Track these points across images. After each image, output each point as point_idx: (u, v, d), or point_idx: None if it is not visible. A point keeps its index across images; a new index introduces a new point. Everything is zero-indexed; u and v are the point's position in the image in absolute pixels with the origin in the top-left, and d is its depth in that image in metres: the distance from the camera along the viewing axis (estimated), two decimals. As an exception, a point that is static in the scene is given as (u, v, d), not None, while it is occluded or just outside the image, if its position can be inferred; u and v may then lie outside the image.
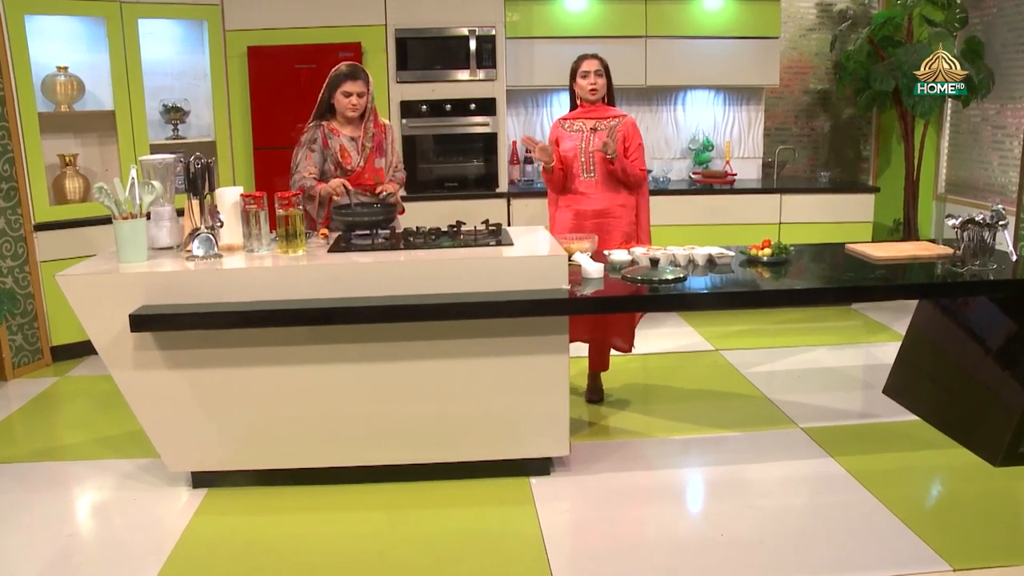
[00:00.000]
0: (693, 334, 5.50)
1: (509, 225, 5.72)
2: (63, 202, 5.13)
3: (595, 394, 4.35)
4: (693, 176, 6.25)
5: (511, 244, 3.48)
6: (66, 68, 5.08)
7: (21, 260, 4.91)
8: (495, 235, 3.59)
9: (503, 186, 5.82)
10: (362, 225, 3.58)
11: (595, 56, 4.13)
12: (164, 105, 5.47)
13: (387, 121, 4.15)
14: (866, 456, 3.61)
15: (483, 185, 5.82)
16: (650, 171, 6.04)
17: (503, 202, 5.80)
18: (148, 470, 3.61)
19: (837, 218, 5.89)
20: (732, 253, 3.73)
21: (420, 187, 5.78)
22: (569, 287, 3.24)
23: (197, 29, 5.56)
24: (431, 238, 3.55)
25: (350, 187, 3.82)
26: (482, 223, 3.71)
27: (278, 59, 5.47)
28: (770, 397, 4.33)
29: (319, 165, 3.94)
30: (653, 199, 5.78)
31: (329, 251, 3.44)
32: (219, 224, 3.43)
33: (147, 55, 5.39)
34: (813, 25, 6.63)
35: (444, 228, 3.66)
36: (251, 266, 3.26)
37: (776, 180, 6.36)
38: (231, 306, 3.12)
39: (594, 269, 3.43)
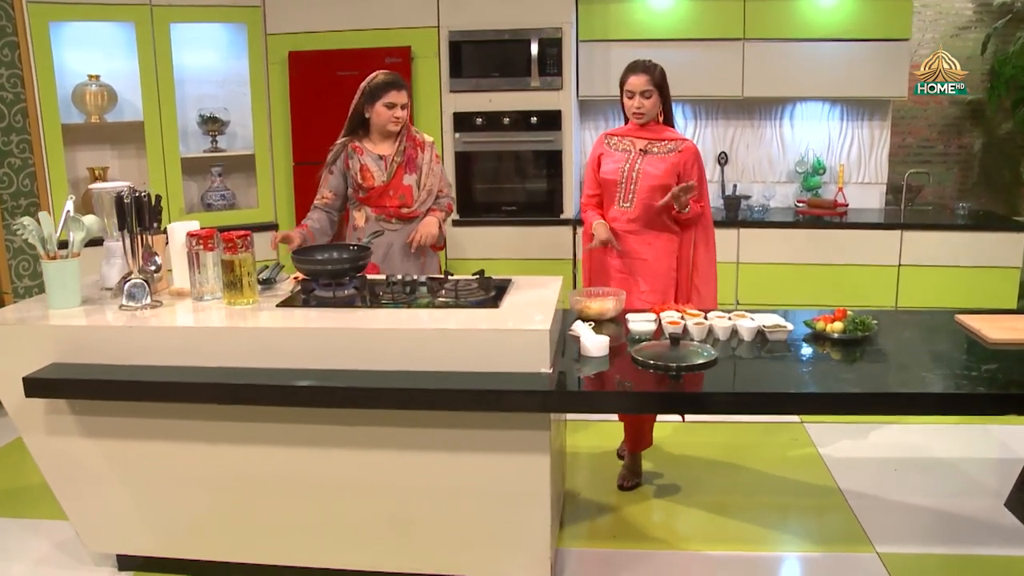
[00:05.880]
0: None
1: (573, 256, 5.05)
2: (92, 218, 4.83)
3: (629, 479, 3.55)
4: (797, 205, 5.30)
5: (496, 306, 2.79)
6: (98, 77, 4.77)
7: (40, 280, 4.62)
8: (483, 292, 2.91)
9: (568, 211, 5.08)
10: (323, 275, 2.98)
11: (645, 70, 3.41)
12: (201, 115, 5.08)
13: (429, 138, 3.66)
14: (959, 611, 2.70)
15: (545, 210, 5.12)
16: (747, 197, 5.19)
17: (568, 229, 5.07)
18: (87, 540, 3.16)
19: (974, 261, 4.78)
20: (790, 326, 2.88)
21: (474, 210, 5.15)
22: (550, 371, 2.52)
23: (241, 33, 5.14)
24: (404, 293, 2.91)
25: (287, 241, 3.40)
26: (475, 273, 3.05)
27: (320, 65, 4.96)
28: (849, 499, 3.41)
29: (337, 189, 3.59)
30: (746, 232, 4.96)
31: (279, 304, 2.87)
32: (153, 268, 2.93)
33: (189, 61, 5.04)
34: (968, 23, 5.51)
35: (422, 279, 3.02)
36: (170, 324, 2.71)
37: (903, 212, 5.30)
38: (139, 372, 2.59)
39: (594, 345, 2.68)
